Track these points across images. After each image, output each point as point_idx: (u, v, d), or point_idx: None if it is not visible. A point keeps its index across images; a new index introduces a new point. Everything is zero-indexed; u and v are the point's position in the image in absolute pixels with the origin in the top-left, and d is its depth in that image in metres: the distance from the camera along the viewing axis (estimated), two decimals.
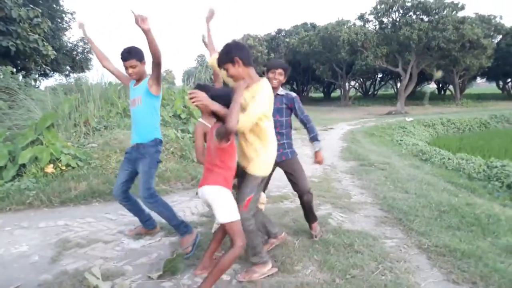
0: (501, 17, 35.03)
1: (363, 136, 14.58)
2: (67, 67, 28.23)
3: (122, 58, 3.38)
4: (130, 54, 3.37)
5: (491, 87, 56.08)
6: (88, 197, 5.13)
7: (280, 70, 3.55)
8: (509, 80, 46.08)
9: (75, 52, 28.29)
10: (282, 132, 3.59)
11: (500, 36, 37.06)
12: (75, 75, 28.13)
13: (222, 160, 2.70)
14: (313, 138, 3.72)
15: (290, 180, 3.68)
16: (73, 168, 5.64)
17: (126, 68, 3.41)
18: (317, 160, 3.80)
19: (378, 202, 5.27)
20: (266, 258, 3.11)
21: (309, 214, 3.84)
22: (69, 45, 27.86)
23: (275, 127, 3.39)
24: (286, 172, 3.66)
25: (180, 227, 3.56)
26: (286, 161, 3.59)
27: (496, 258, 3.38)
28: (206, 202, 2.78)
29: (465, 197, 5.51)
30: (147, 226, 3.91)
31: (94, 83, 11.31)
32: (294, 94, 3.68)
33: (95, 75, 31.22)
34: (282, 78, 3.56)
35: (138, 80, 3.52)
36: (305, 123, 3.70)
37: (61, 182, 5.27)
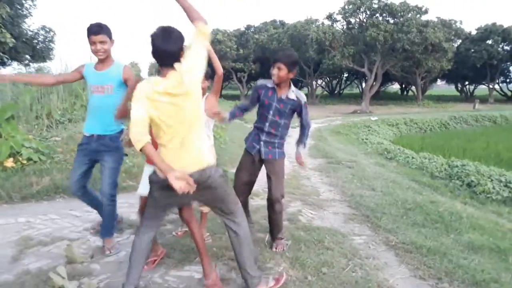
0: (461, 22, 36.49)
1: (330, 134, 14.83)
2: (27, 56, 27.04)
3: (91, 32, 3.05)
4: (102, 29, 3.08)
5: (450, 89, 58.49)
6: (51, 193, 4.91)
7: (278, 64, 3.16)
8: (467, 83, 48.18)
9: (35, 41, 27.12)
10: (277, 134, 3.39)
11: (460, 41, 38.64)
12: (35, 64, 27.04)
13: None
14: (303, 143, 3.63)
15: (268, 183, 3.48)
16: (35, 162, 5.39)
17: (94, 44, 3.07)
18: (301, 161, 3.65)
19: (346, 199, 5.37)
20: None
21: (275, 226, 3.53)
22: (29, 33, 26.66)
23: (271, 127, 3.35)
24: (267, 174, 3.47)
25: (113, 228, 3.47)
26: (271, 161, 3.41)
27: (460, 254, 3.52)
28: None
29: (429, 195, 5.71)
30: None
31: (57, 73, 10.91)
32: (304, 99, 3.39)
33: (58, 65, 29.98)
34: (283, 74, 3.18)
35: (103, 62, 3.18)
36: (304, 128, 3.57)
37: (21, 177, 5.03)
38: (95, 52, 3.11)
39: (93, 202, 3.58)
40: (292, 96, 3.31)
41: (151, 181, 2.49)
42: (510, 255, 3.53)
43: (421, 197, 5.39)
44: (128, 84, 3.18)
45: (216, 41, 37.98)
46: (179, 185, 2.17)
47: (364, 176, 6.73)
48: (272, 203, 3.42)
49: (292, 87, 3.35)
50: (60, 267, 2.87)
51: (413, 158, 9.33)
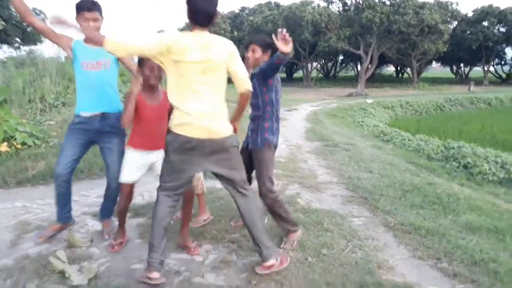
0: (457, 4, 36.16)
1: (326, 117, 14.79)
2: (17, 39, 26.60)
3: (84, 9, 2.88)
4: (95, 5, 2.92)
5: (445, 72, 58.45)
6: (47, 177, 4.85)
7: (252, 46, 3.13)
8: (462, 65, 48.13)
9: (25, 23, 26.59)
10: (259, 115, 3.13)
11: (456, 22, 38.44)
12: (26, 47, 26.61)
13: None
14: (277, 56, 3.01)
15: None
16: (30, 146, 5.34)
17: (86, 21, 2.89)
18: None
19: (344, 182, 5.37)
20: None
21: (279, 220, 3.23)
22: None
23: (252, 110, 3.18)
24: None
25: (113, 210, 3.38)
26: (254, 150, 3.16)
27: (458, 235, 3.54)
28: None
29: (426, 177, 5.72)
30: (67, 220, 3.34)
31: (49, 57, 10.73)
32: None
33: (50, 48, 29.55)
34: (258, 55, 3.11)
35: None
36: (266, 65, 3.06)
37: (16, 162, 4.97)
38: (86, 29, 2.85)
39: (68, 194, 3.22)
40: (255, 70, 3.16)
41: (167, 143, 2.53)
42: (507, 235, 3.56)
43: (418, 179, 5.40)
44: (122, 61, 3.09)
45: None
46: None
47: (361, 159, 6.72)
48: (260, 196, 3.15)
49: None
50: (60, 251, 2.85)
51: (409, 140, 9.33)
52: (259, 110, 3.13)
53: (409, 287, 2.65)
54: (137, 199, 4.32)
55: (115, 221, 3.45)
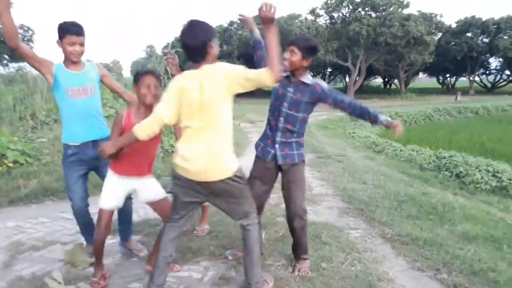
0: (441, 15, 36.90)
1: (317, 129, 14.87)
2: (5, 55, 26.43)
3: (71, 32, 2.74)
4: (82, 29, 2.79)
5: (432, 82, 59.33)
6: (40, 196, 4.79)
7: (291, 47, 2.73)
8: (448, 75, 48.97)
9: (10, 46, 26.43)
10: (294, 130, 2.85)
11: (441, 34, 39.20)
12: (15, 64, 26.41)
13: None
14: (376, 116, 2.90)
15: (284, 194, 2.97)
16: (22, 164, 5.26)
17: (73, 45, 2.76)
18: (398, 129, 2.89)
19: (339, 194, 5.38)
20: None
21: (298, 245, 3.05)
22: None
23: (287, 122, 2.81)
24: (282, 182, 2.96)
25: (131, 230, 3.45)
26: (289, 166, 2.87)
27: (455, 245, 3.55)
28: None
29: (420, 187, 5.76)
30: (91, 241, 3.24)
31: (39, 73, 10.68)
32: (323, 85, 2.83)
33: None
34: (296, 59, 2.72)
35: (76, 63, 2.86)
36: (350, 105, 2.87)
37: (8, 180, 4.89)
38: (71, 53, 2.78)
39: (90, 222, 3.21)
40: (306, 81, 2.79)
41: (173, 177, 2.51)
42: (504, 244, 3.59)
43: (412, 189, 5.44)
44: (104, 82, 3.08)
45: None
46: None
47: (354, 170, 6.75)
48: (291, 219, 2.93)
49: (306, 74, 2.83)
50: (56, 272, 2.80)
51: (401, 150, 9.42)
52: (295, 125, 2.84)
53: None
54: (133, 216, 4.26)
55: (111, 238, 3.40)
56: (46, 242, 3.54)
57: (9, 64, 26.49)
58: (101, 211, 2.68)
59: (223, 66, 2.33)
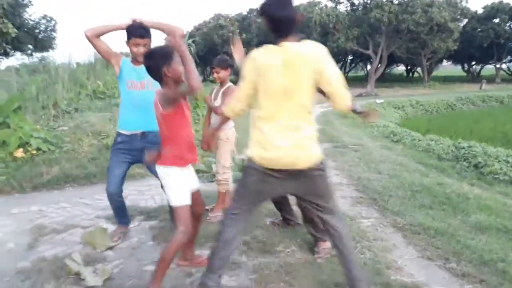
0: (467, 1, 35.74)
1: (336, 118, 14.77)
2: (29, 45, 27.05)
3: (136, 35, 3.00)
4: (147, 32, 3.05)
5: (457, 70, 57.82)
6: (61, 182, 5.00)
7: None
8: (473, 63, 47.59)
9: (37, 30, 27.09)
10: None
11: (466, 20, 38.03)
12: (38, 54, 27.06)
13: (170, 130, 2.46)
14: None
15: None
16: (44, 152, 5.47)
17: (137, 46, 3.01)
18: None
19: (353, 183, 5.39)
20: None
21: (313, 230, 3.21)
22: (31, 22, 26.60)
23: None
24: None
25: None
26: None
27: (467, 235, 3.54)
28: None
29: (436, 177, 5.71)
30: (128, 223, 3.61)
31: (61, 63, 10.93)
32: None
33: (61, 55, 30.00)
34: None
35: (139, 63, 3.03)
36: None
37: (32, 167, 5.11)
38: (137, 54, 3.04)
39: (123, 205, 3.44)
40: None
41: (246, 167, 2.39)
42: None
43: (428, 179, 5.40)
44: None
45: (218, 26, 37.72)
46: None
47: (370, 160, 6.73)
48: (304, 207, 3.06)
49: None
50: (75, 254, 2.95)
51: (419, 140, 9.28)
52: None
53: (417, 287, 2.67)
54: (149, 202, 4.41)
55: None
56: (67, 226, 3.71)
57: (33, 53, 27.14)
58: (184, 208, 2.46)
59: (314, 49, 2.21)
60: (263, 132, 2.23)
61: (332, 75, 2.21)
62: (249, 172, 2.34)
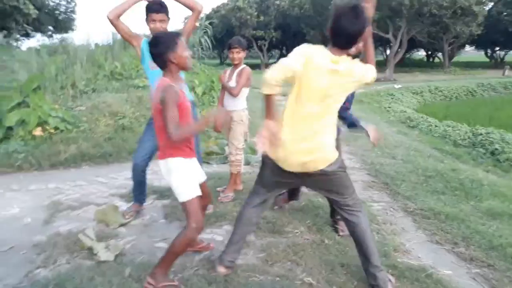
0: None
1: (352, 103, 14.62)
2: (50, 27, 27.35)
3: (152, 10, 3.06)
4: (162, 7, 3.09)
5: (480, 56, 56.16)
6: (78, 161, 5.11)
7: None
8: (497, 48, 46.12)
9: (57, 12, 27.30)
10: None
11: (492, 3, 36.73)
12: (58, 35, 27.36)
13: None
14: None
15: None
16: (62, 131, 5.59)
17: (154, 22, 3.06)
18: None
19: (366, 168, 5.38)
20: None
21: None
22: (51, 3, 26.79)
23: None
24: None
25: None
26: None
27: (478, 220, 3.52)
28: (166, 176, 2.45)
29: (450, 163, 5.65)
30: (144, 201, 3.65)
31: (80, 44, 11.06)
32: None
33: (80, 36, 30.27)
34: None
35: None
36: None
37: (50, 145, 5.24)
38: (154, 30, 3.09)
39: (143, 182, 3.49)
40: None
41: (263, 159, 2.49)
42: None
43: (442, 165, 5.34)
44: None
45: (236, 9, 37.35)
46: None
47: (385, 145, 6.67)
48: None
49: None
50: (89, 229, 3.04)
51: (436, 126, 9.16)
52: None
53: (423, 270, 2.68)
54: (163, 182, 4.48)
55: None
56: (82, 203, 3.82)
57: (53, 35, 27.43)
58: (193, 202, 2.34)
59: (360, 73, 2.25)
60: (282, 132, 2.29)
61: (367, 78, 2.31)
62: (266, 165, 2.47)
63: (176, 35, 2.35)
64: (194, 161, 2.48)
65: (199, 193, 2.39)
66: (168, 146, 2.34)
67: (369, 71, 2.29)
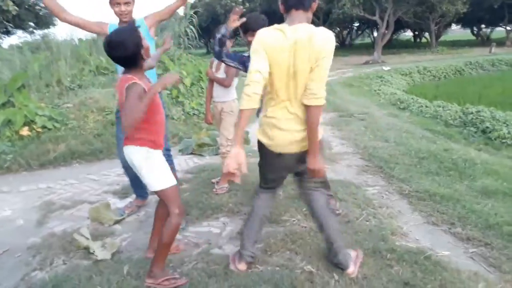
0: None
1: (341, 87, 14.60)
2: (31, 23, 26.82)
3: None
4: None
5: (466, 34, 56.34)
6: (68, 159, 5.04)
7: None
8: (483, 26, 46.27)
9: (38, 7, 26.71)
10: None
11: None
12: (40, 31, 26.82)
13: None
14: None
15: None
16: (50, 129, 5.48)
17: (118, 5, 2.95)
18: None
19: (359, 152, 5.37)
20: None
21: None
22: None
23: None
24: None
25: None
26: None
27: (473, 200, 3.54)
28: (132, 164, 2.35)
29: (443, 143, 5.66)
30: (145, 196, 3.61)
31: (63, 40, 10.82)
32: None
33: (63, 31, 29.72)
34: None
35: (126, 22, 2.98)
36: None
37: (38, 145, 5.14)
38: (119, 14, 3.00)
39: (138, 179, 3.42)
40: None
41: (259, 147, 2.42)
42: None
43: (435, 146, 5.36)
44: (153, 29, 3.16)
45: None
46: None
47: (377, 128, 6.68)
48: None
49: None
50: (84, 229, 3.00)
51: (426, 107, 9.18)
52: None
53: (421, 252, 2.69)
54: None
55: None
56: (75, 202, 3.77)
57: (35, 31, 26.91)
58: (173, 189, 2.33)
59: (325, 43, 2.05)
60: (268, 116, 2.25)
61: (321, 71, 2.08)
62: (262, 152, 2.42)
63: (135, 28, 2.17)
64: (161, 153, 2.36)
65: (175, 182, 2.35)
66: (138, 136, 2.24)
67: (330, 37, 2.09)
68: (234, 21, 2.85)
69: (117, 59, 2.21)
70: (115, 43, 2.10)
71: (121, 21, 3.06)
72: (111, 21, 3.17)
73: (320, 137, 2.25)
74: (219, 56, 2.95)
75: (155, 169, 2.29)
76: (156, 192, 2.33)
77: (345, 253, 2.49)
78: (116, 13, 3.02)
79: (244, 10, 3.10)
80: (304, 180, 2.46)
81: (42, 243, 2.95)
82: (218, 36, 2.84)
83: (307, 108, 2.11)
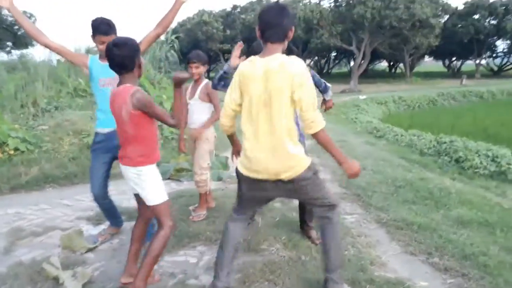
0: None
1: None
2: (8, 43, 26.46)
3: (100, 32, 2.92)
4: (111, 28, 2.95)
5: (438, 66, 58.62)
6: (41, 183, 4.88)
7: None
8: (454, 58, 48.30)
9: (16, 27, 26.43)
10: None
11: (447, 16, 38.54)
12: (17, 51, 26.46)
13: (138, 129, 2.32)
14: None
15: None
16: (23, 152, 5.32)
17: (103, 43, 2.90)
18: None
19: (337, 179, 5.40)
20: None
21: (310, 213, 3.33)
22: (10, 19, 25.94)
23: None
24: None
25: None
26: None
27: (449, 229, 3.58)
28: (130, 180, 2.45)
29: (418, 172, 5.77)
30: (120, 224, 3.54)
31: (41, 60, 10.69)
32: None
33: (41, 52, 29.48)
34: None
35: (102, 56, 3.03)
36: None
37: (9, 168, 4.98)
38: (101, 50, 2.97)
39: (111, 207, 3.37)
40: None
41: (237, 174, 2.42)
42: (497, 228, 3.60)
43: (411, 175, 5.45)
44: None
45: (202, 23, 37.43)
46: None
47: (354, 156, 6.74)
48: None
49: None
50: (53, 257, 2.87)
51: (402, 136, 9.39)
52: None
53: (400, 283, 2.68)
54: (131, 202, 4.32)
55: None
56: (46, 228, 3.62)
57: (12, 51, 26.53)
58: (167, 204, 2.45)
59: (296, 69, 2.13)
60: (245, 145, 2.29)
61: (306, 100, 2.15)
62: (241, 180, 2.42)
63: (136, 41, 2.37)
64: (156, 167, 2.47)
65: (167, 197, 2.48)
66: (139, 154, 2.35)
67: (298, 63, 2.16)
68: (236, 58, 3.00)
69: (119, 59, 2.27)
70: (121, 42, 2.27)
71: (103, 57, 2.97)
72: (92, 55, 3.21)
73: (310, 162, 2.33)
74: (215, 87, 3.23)
75: (155, 184, 2.41)
76: (153, 206, 2.40)
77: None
78: (100, 50, 3.02)
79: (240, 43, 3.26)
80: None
81: (7, 273, 2.80)
82: (221, 72, 3.10)
83: (314, 136, 2.26)
